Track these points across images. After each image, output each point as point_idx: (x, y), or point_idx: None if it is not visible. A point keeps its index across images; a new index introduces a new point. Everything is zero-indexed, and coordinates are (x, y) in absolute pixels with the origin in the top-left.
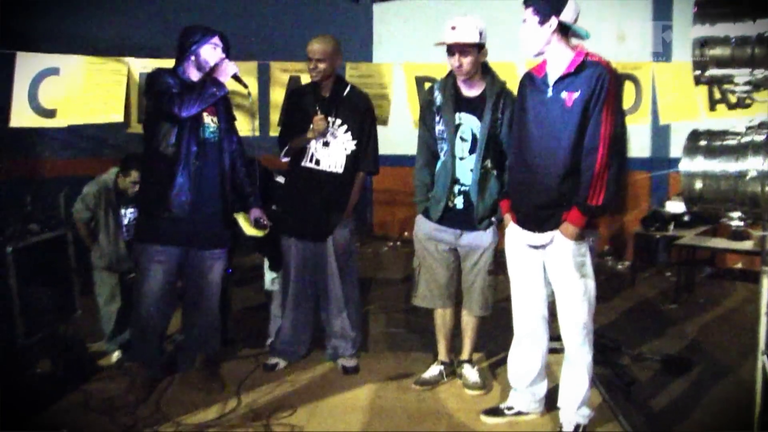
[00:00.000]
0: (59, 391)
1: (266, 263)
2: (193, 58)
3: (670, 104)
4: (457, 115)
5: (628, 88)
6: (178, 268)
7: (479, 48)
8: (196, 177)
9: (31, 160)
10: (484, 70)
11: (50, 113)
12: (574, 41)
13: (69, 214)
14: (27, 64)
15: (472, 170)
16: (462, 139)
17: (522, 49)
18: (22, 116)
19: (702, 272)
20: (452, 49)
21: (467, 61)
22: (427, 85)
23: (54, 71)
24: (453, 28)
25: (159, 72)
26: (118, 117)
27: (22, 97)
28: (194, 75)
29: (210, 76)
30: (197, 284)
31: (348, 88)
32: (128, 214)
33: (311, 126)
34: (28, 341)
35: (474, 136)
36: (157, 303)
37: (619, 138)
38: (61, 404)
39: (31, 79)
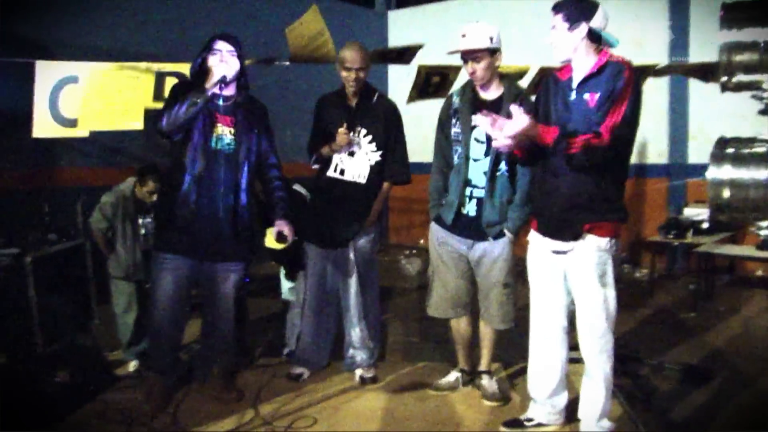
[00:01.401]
0: (77, 401)
1: (282, 272)
2: (200, 66)
3: None
4: (474, 117)
5: None
6: (191, 278)
7: (492, 53)
8: (204, 188)
9: (49, 169)
10: (501, 76)
11: (71, 123)
12: (600, 46)
13: (86, 223)
14: (47, 73)
15: (485, 172)
16: (477, 140)
17: (552, 54)
18: (44, 127)
19: (721, 280)
20: (465, 57)
21: (480, 67)
22: (436, 78)
23: (73, 80)
24: (463, 35)
25: (175, 85)
26: (138, 124)
27: (43, 107)
28: (214, 87)
29: (200, 83)
30: (212, 296)
31: (376, 97)
32: (146, 223)
33: (338, 137)
34: (47, 350)
35: (489, 138)
36: (168, 311)
37: (625, 141)
38: (79, 414)
39: (51, 88)
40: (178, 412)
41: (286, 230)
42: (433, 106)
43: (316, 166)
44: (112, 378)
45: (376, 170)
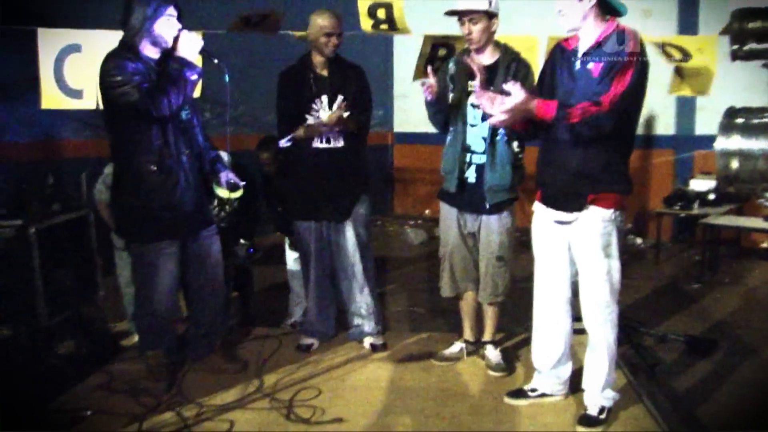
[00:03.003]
0: (83, 372)
1: (287, 242)
2: (147, 35)
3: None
4: (470, 82)
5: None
6: (180, 257)
7: (489, 16)
8: (185, 164)
9: (53, 140)
10: (497, 43)
11: (78, 93)
12: (608, 16)
13: (90, 194)
14: (49, 42)
15: (484, 138)
16: (473, 105)
17: (560, 23)
18: (51, 98)
19: (726, 251)
20: (462, 18)
21: (476, 29)
22: (442, 51)
23: (76, 48)
24: None
25: (116, 58)
26: None
27: (48, 77)
28: (153, 53)
29: (175, 57)
30: (203, 268)
31: (347, 65)
32: None
33: (329, 117)
34: (52, 322)
35: None
36: (168, 296)
37: (628, 110)
38: (85, 385)
39: (54, 57)
40: (182, 385)
41: (233, 177)
42: None
43: (288, 144)
44: (118, 348)
45: (349, 132)
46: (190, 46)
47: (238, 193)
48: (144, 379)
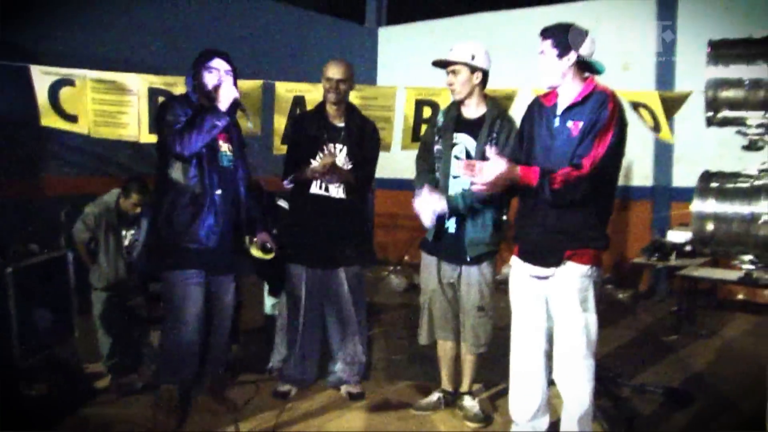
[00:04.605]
0: (55, 414)
1: (266, 288)
2: (195, 82)
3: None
4: (456, 135)
5: (644, 114)
6: (206, 292)
7: (472, 69)
8: (220, 206)
9: (33, 178)
10: (485, 97)
11: (73, 118)
12: (587, 73)
13: (69, 233)
14: (43, 77)
15: (465, 189)
16: (456, 158)
17: (539, 79)
18: (49, 117)
19: (703, 303)
20: (447, 69)
21: (457, 80)
22: (426, 109)
23: (69, 82)
24: (450, 50)
25: (168, 101)
26: (133, 135)
27: (44, 101)
28: (203, 100)
29: (211, 105)
30: (216, 308)
31: (361, 118)
32: (129, 235)
33: (321, 163)
34: (25, 363)
35: (468, 155)
36: (194, 326)
37: (607, 172)
38: (58, 428)
39: (48, 88)
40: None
41: (269, 242)
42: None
43: (290, 185)
44: (92, 391)
45: (350, 184)
46: (226, 97)
47: (270, 256)
48: (117, 420)
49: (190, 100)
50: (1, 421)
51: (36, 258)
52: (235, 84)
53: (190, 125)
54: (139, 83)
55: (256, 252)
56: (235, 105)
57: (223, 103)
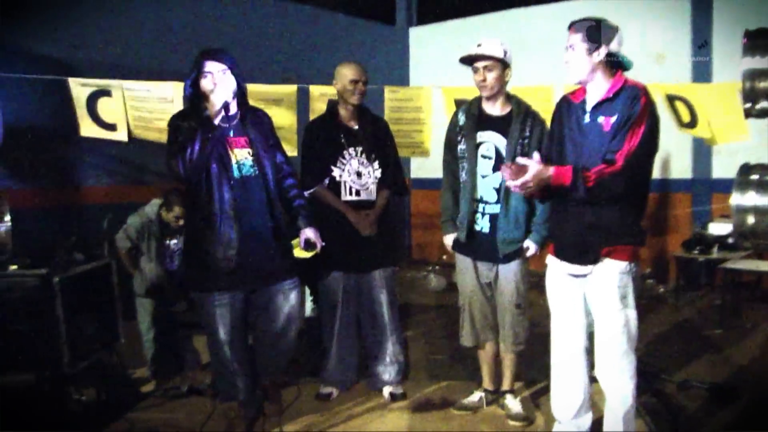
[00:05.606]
0: (103, 420)
1: (308, 292)
2: (192, 90)
3: (722, 126)
4: (480, 133)
5: (681, 107)
6: (244, 309)
7: (504, 65)
8: (241, 221)
9: (75, 187)
10: (508, 95)
11: (111, 126)
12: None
13: (112, 241)
14: (80, 88)
15: (495, 188)
16: (484, 156)
17: (568, 74)
18: (88, 127)
19: (747, 296)
20: (477, 65)
21: (491, 76)
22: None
23: (106, 93)
24: (479, 45)
25: (173, 118)
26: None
27: (83, 113)
28: (203, 105)
29: (202, 117)
30: (272, 319)
31: (373, 117)
32: (172, 244)
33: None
34: (74, 369)
35: (498, 154)
36: (236, 343)
37: (641, 167)
38: None
39: (86, 98)
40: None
41: (313, 237)
42: None
43: (308, 194)
44: (138, 395)
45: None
46: (215, 103)
47: (311, 254)
48: (164, 424)
49: (195, 109)
50: (54, 426)
51: (81, 267)
52: (239, 78)
53: (181, 148)
54: (173, 91)
55: (299, 252)
56: (225, 109)
57: (214, 110)
